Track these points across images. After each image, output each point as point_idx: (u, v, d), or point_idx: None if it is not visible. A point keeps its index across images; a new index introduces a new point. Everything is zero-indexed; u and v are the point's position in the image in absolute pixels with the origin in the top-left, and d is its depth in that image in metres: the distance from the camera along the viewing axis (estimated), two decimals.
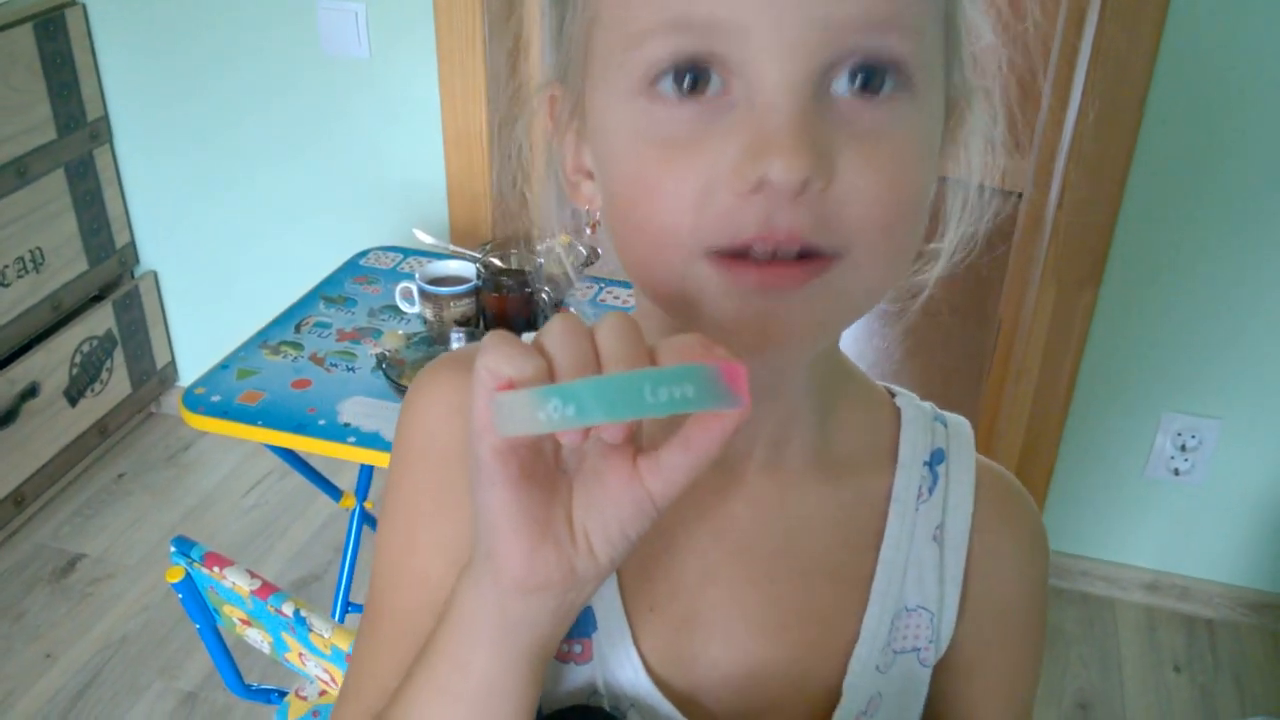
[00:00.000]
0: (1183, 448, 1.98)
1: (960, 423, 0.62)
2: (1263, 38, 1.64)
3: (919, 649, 0.59)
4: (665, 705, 0.55)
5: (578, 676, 0.56)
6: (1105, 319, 1.90)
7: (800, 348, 0.49)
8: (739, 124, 0.43)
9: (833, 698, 0.57)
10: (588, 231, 0.58)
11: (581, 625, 0.55)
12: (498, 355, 0.41)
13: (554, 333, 0.42)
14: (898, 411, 0.61)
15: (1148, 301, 1.87)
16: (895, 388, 0.63)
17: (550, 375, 0.41)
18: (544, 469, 0.44)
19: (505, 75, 2.07)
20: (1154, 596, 2.13)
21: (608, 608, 0.56)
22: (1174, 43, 1.67)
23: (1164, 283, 1.85)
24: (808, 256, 0.44)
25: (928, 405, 0.62)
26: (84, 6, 2.15)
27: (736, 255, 0.45)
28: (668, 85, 0.44)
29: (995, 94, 0.52)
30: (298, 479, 2.33)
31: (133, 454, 2.46)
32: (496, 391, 0.41)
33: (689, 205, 0.44)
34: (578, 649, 0.56)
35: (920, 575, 0.58)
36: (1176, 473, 2.00)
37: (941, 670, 0.61)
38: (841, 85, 0.44)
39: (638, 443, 0.44)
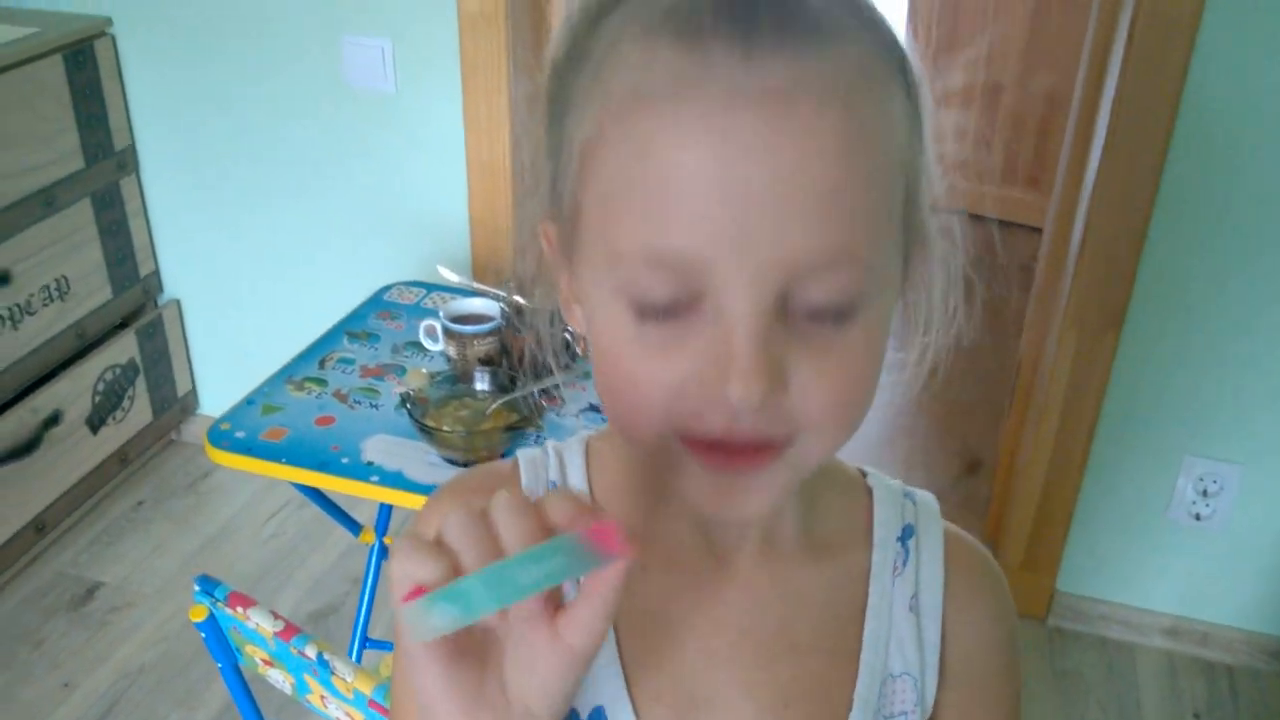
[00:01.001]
0: (1204, 492, 1.97)
1: (927, 498, 0.67)
2: None
3: (905, 713, 0.63)
4: None
5: None
6: (1127, 362, 1.90)
7: (761, 510, 0.53)
8: (707, 339, 0.48)
9: None
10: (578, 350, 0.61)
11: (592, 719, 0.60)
12: (404, 561, 0.46)
13: (452, 527, 0.46)
14: (870, 491, 0.66)
15: (1170, 345, 1.87)
16: (866, 468, 0.68)
17: (456, 570, 0.45)
18: (473, 642, 0.49)
19: (529, 112, 2.09)
20: (1174, 642, 2.11)
21: (615, 699, 0.60)
22: (1199, 83, 1.67)
23: (1186, 326, 1.84)
24: (766, 444, 0.50)
25: (896, 484, 0.67)
26: (113, 38, 2.18)
27: (704, 441, 0.50)
28: (645, 305, 0.49)
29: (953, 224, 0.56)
30: (315, 510, 2.33)
31: (153, 482, 2.47)
32: (401, 602, 0.45)
33: (663, 399, 0.49)
34: None
35: (901, 643, 0.63)
36: (1198, 517, 1.99)
37: None
38: (799, 306, 0.48)
39: (557, 599, 0.49)
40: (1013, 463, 2.21)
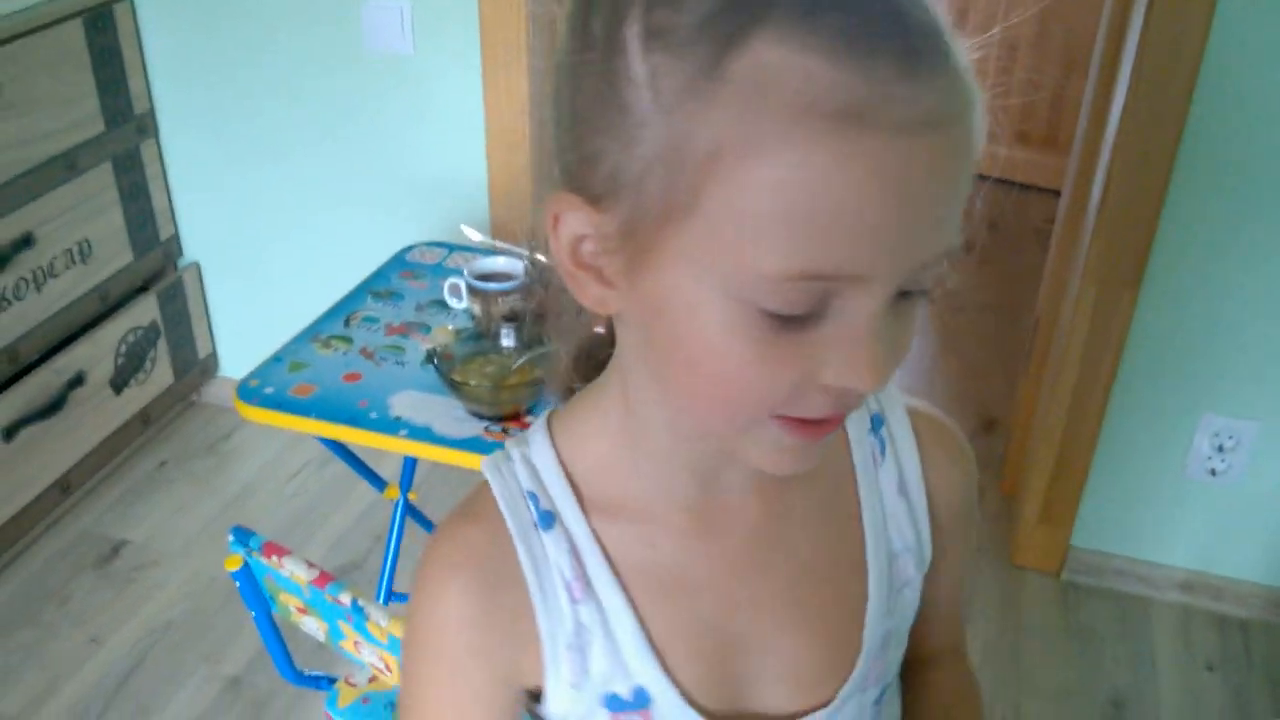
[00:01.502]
0: (1220, 448, 1.98)
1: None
2: None
3: (910, 581, 0.69)
4: None
5: None
6: (1145, 319, 1.90)
7: (818, 462, 0.57)
8: (835, 339, 0.50)
9: (856, 647, 0.67)
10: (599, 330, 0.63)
11: (638, 700, 0.63)
12: None
13: None
14: None
15: (1188, 302, 1.87)
16: None
17: None
18: None
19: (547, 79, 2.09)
20: (1188, 596, 2.13)
21: (652, 675, 0.62)
22: (1222, 39, 1.67)
23: (1205, 284, 1.85)
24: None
25: None
26: (132, 2, 2.18)
27: (804, 418, 0.53)
28: (776, 314, 0.49)
29: None
30: (337, 468, 2.36)
31: (175, 443, 2.50)
32: None
33: (773, 392, 0.51)
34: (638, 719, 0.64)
35: (898, 525, 0.68)
36: (1213, 473, 2.00)
37: None
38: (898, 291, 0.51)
39: None
40: (1030, 419, 2.22)
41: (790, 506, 0.65)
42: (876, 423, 0.69)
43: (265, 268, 2.43)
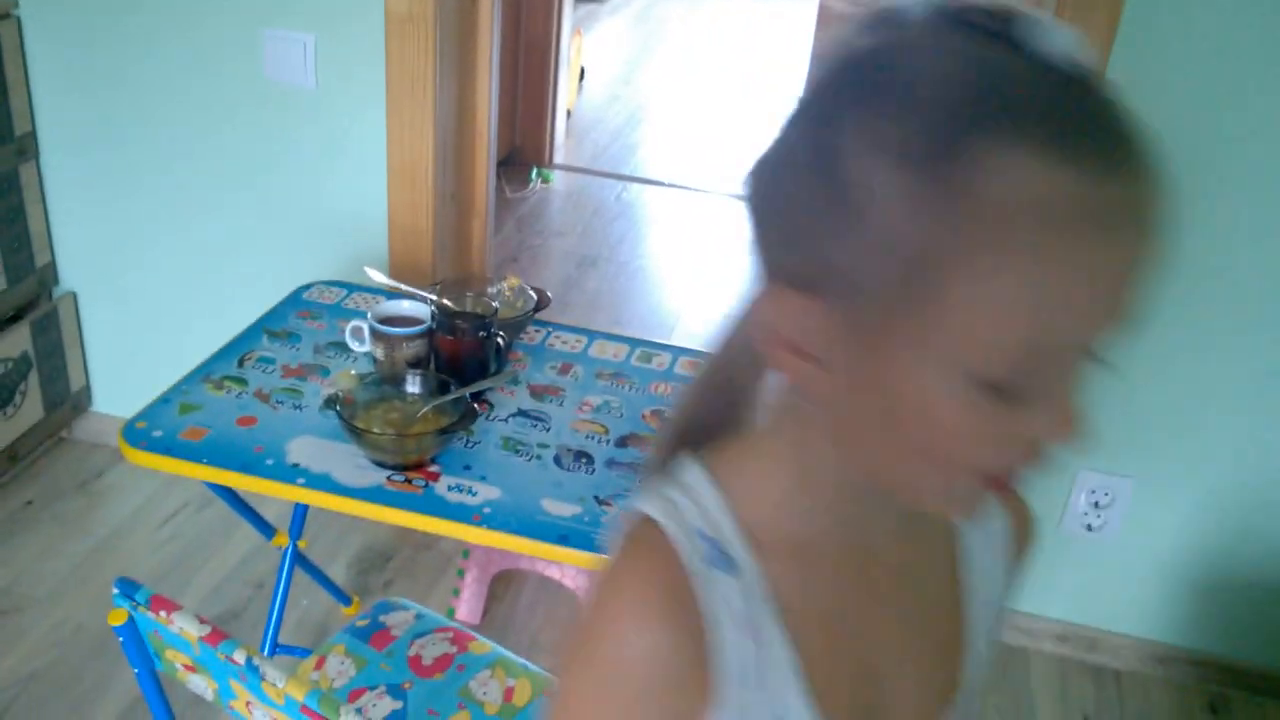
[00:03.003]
0: (1096, 504, 2.06)
1: None
2: (1217, 43, 1.70)
3: (994, 618, 0.76)
4: None
5: None
6: None
7: None
8: (1042, 412, 0.55)
9: (955, 685, 0.73)
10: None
11: None
12: None
13: None
14: None
15: None
16: None
17: None
18: None
19: (452, 115, 2.07)
20: (1065, 647, 2.20)
21: (795, 703, 0.65)
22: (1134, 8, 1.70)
23: None
24: None
25: None
26: (18, 19, 2.09)
27: (999, 474, 0.59)
28: (1002, 387, 0.54)
29: None
30: (215, 512, 2.28)
31: (43, 481, 2.37)
32: None
33: (998, 456, 0.57)
34: None
35: (985, 572, 0.74)
36: (1089, 528, 2.08)
37: None
38: None
39: None
40: None
41: (918, 554, 0.72)
42: None
43: (147, 300, 2.33)
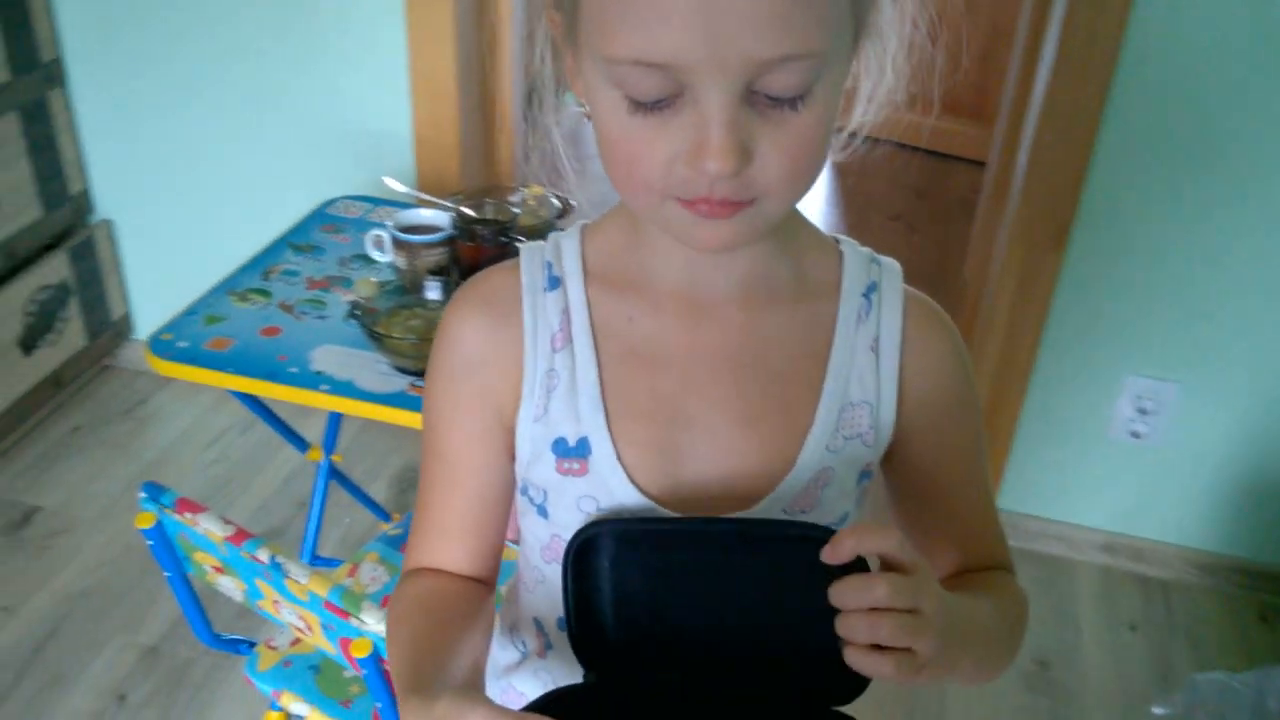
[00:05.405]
0: (1142, 410, 2.01)
1: (892, 263, 0.78)
2: (1235, 3, 1.65)
3: (861, 434, 0.75)
4: (646, 501, 0.72)
5: (576, 488, 0.73)
6: (1070, 282, 1.92)
7: (732, 241, 0.65)
8: (688, 126, 0.59)
9: (789, 464, 0.73)
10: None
11: (580, 449, 0.72)
12: None
13: None
14: (841, 254, 0.77)
15: (1113, 266, 1.89)
16: (840, 236, 0.78)
17: None
18: None
19: (473, 24, 2.04)
20: (1110, 557, 2.17)
21: (596, 430, 0.72)
22: (1146, 6, 1.68)
23: (1129, 247, 1.87)
24: (736, 203, 0.62)
25: (866, 250, 0.78)
26: None
27: (691, 200, 0.62)
28: (635, 99, 0.59)
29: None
30: (259, 433, 2.31)
31: (89, 406, 2.41)
32: None
33: (658, 172, 0.61)
34: (576, 467, 0.73)
35: (861, 377, 0.74)
36: (1136, 435, 2.03)
37: (904, 466, 0.78)
38: (762, 94, 0.59)
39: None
40: None
41: (767, 326, 0.73)
42: (871, 288, 0.75)
43: (182, 225, 2.34)
